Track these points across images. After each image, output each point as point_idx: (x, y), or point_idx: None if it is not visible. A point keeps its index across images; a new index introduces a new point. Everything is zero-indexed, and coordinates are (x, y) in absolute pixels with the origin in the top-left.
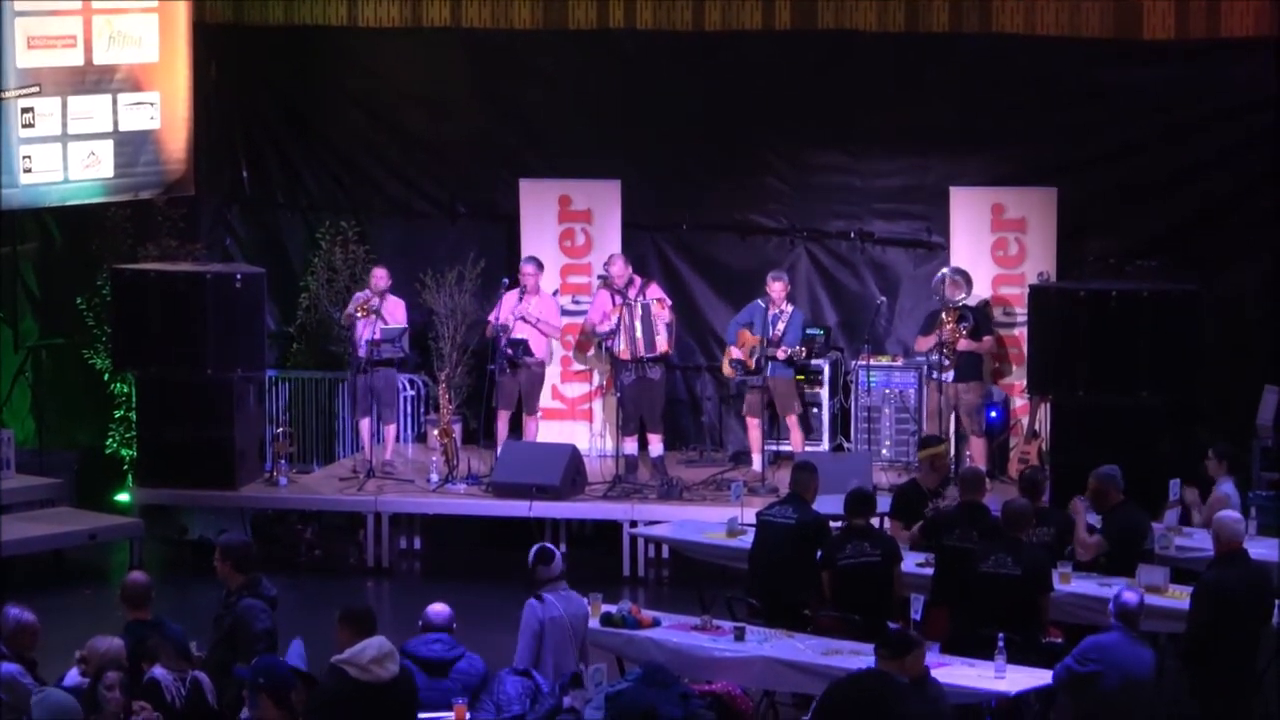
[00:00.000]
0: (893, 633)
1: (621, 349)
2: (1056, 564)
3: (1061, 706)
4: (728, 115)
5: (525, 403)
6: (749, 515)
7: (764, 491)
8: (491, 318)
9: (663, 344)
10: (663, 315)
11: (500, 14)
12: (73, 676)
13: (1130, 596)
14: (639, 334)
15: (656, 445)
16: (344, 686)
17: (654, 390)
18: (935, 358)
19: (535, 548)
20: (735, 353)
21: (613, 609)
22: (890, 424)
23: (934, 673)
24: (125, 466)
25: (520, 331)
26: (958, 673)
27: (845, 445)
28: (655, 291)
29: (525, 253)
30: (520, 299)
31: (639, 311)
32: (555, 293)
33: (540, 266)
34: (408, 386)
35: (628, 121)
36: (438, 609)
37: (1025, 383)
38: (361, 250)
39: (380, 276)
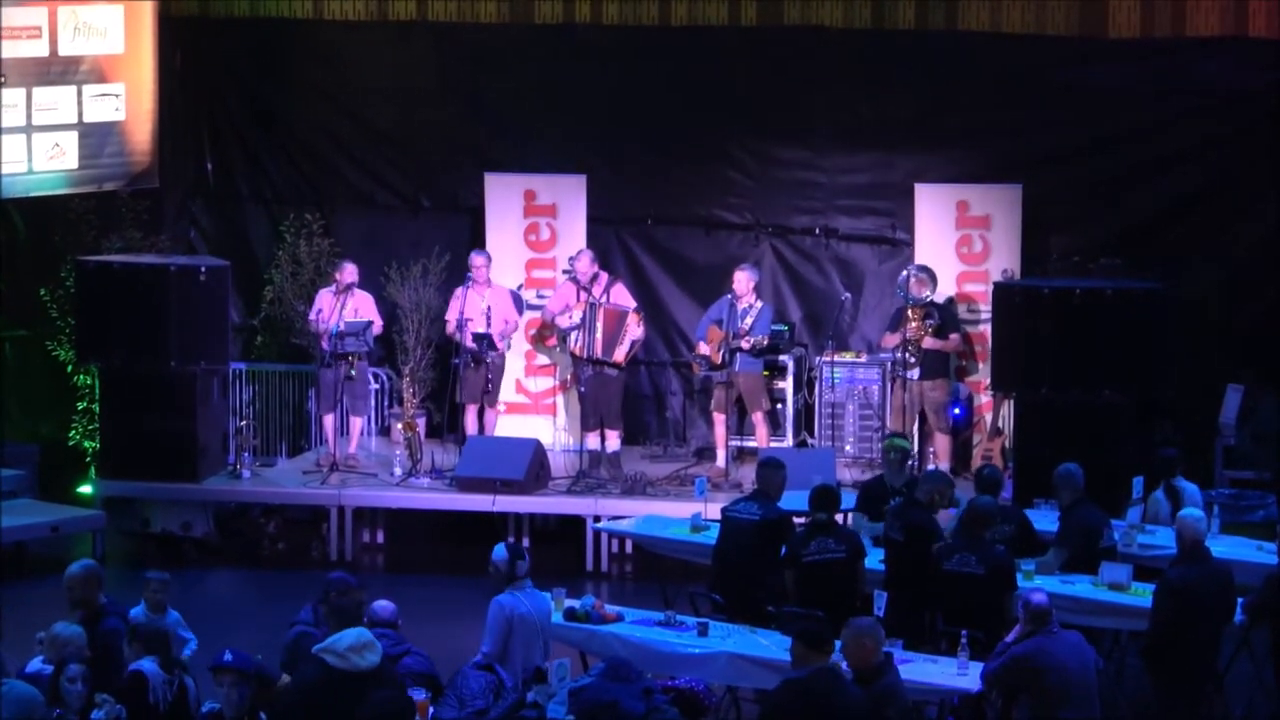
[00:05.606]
0: (806, 626)
1: (577, 345)
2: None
3: (1022, 703)
4: (693, 111)
5: (489, 395)
6: (713, 511)
7: (728, 487)
8: (450, 317)
9: (620, 355)
10: (633, 330)
11: (466, 8)
12: (35, 664)
13: (1038, 598)
14: (599, 335)
15: (614, 441)
16: (321, 675)
17: (611, 386)
18: (900, 355)
19: (506, 546)
20: (704, 348)
21: (576, 604)
22: (854, 420)
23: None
24: (88, 458)
25: (480, 325)
26: (920, 669)
27: (809, 441)
28: (621, 292)
29: (490, 247)
30: (468, 292)
31: (600, 315)
32: (520, 287)
33: (489, 258)
34: (372, 380)
35: (593, 116)
36: (383, 604)
37: (989, 380)
38: (326, 244)
39: (349, 272)
